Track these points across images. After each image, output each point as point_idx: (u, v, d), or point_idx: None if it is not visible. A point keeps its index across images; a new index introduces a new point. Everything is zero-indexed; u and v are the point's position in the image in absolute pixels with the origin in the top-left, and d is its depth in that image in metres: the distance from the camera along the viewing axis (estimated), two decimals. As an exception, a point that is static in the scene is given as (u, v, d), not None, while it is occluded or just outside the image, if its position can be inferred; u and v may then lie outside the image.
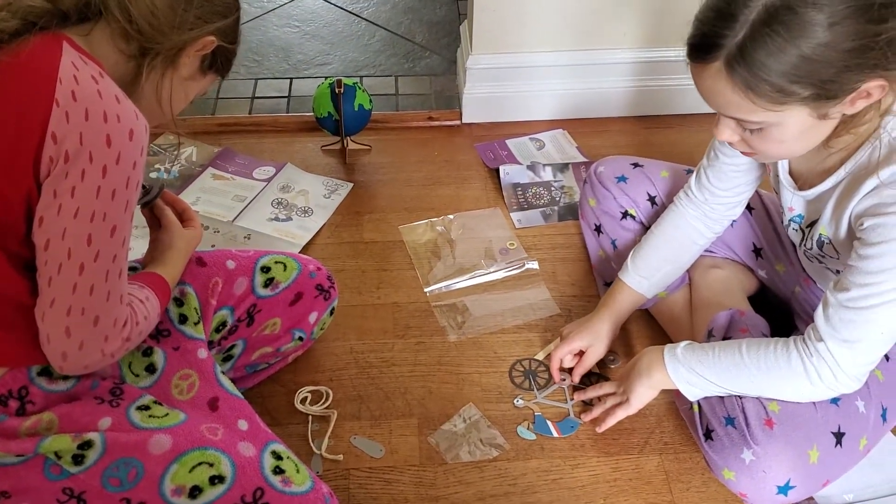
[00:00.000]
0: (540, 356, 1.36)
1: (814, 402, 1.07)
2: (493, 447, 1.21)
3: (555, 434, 1.23)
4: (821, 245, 1.09)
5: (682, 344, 1.12)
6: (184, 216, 1.11)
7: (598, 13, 1.78)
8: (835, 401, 1.07)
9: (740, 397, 1.08)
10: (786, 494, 1.06)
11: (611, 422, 1.19)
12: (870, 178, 0.95)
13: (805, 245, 1.14)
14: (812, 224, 1.10)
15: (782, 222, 1.19)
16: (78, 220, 0.82)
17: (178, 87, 0.95)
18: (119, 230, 0.85)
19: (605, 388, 1.23)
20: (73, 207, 0.82)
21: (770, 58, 0.85)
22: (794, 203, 1.12)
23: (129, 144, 0.84)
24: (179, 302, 1.08)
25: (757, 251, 1.35)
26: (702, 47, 0.90)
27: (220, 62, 0.98)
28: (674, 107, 1.92)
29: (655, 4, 1.77)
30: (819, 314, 1.00)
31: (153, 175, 1.71)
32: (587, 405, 1.27)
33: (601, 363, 1.32)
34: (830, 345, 0.98)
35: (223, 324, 1.15)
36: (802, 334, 1.03)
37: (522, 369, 1.34)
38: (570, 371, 1.31)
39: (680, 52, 1.82)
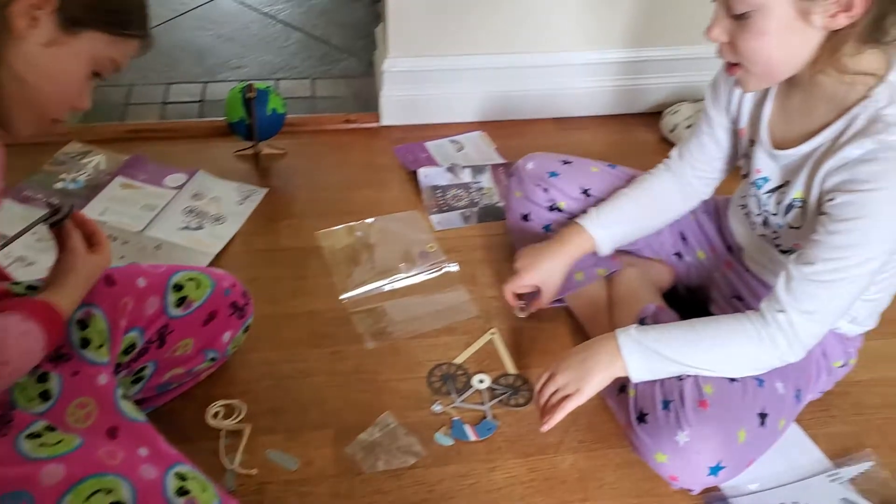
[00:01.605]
0: (459, 360, 1.35)
1: (743, 384, 1.10)
2: (410, 455, 1.20)
3: (472, 437, 1.23)
4: (788, 210, 1.11)
5: (633, 326, 1.13)
6: (92, 239, 1.04)
7: (514, 16, 1.78)
8: (760, 382, 1.11)
9: (680, 378, 1.10)
10: (716, 475, 1.09)
11: (560, 416, 1.14)
12: (846, 147, 0.98)
13: (765, 210, 1.16)
14: (780, 188, 1.12)
15: (746, 190, 1.20)
16: None
17: (42, 62, 0.83)
18: None
19: (551, 384, 1.16)
20: None
21: None
22: (763, 165, 1.14)
23: None
24: (83, 324, 1.04)
25: (684, 239, 1.39)
26: None
27: (92, 12, 0.84)
28: (588, 108, 1.95)
29: (572, 8, 1.79)
30: (780, 286, 1.03)
31: (61, 185, 1.64)
32: (507, 405, 1.28)
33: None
34: (791, 315, 1.02)
35: (132, 346, 1.11)
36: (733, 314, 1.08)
37: (441, 374, 1.33)
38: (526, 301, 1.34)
39: (593, 55, 1.86)
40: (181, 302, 1.15)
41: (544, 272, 1.29)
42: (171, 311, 1.14)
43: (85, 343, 1.03)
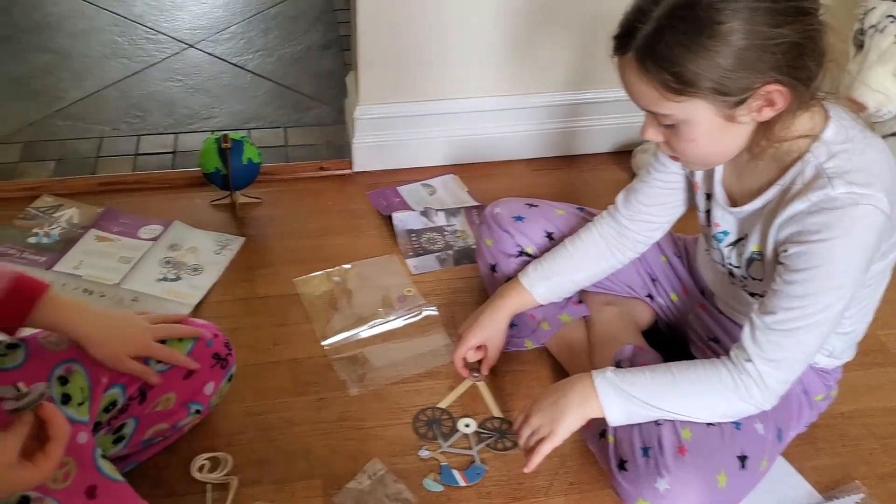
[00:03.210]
0: (443, 404, 1.36)
1: (721, 428, 1.10)
2: (399, 502, 1.19)
3: (461, 483, 1.23)
4: (749, 263, 1.13)
5: (609, 369, 1.13)
6: (44, 441, 0.85)
7: (480, 62, 1.82)
8: (737, 425, 1.12)
9: (658, 423, 1.10)
10: None
11: (538, 459, 1.14)
12: (794, 202, 1.01)
13: (729, 263, 1.18)
14: (739, 242, 1.15)
15: (708, 242, 1.22)
16: None
17: None
18: None
19: (526, 427, 1.16)
20: None
21: (669, 50, 0.93)
22: (722, 219, 1.16)
23: None
24: (64, 380, 1.02)
25: (654, 280, 1.41)
26: (619, 39, 0.98)
27: None
28: (559, 149, 1.98)
29: (535, 53, 1.83)
30: (746, 335, 1.05)
31: (34, 240, 1.61)
32: (494, 449, 1.28)
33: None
34: (758, 364, 1.04)
35: (113, 403, 1.10)
36: (710, 358, 1.10)
37: (426, 419, 1.33)
38: (477, 367, 1.36)
39: (559, 96, 1.90)
40: None
41: (486, 329, 1.32)
42: (152, 366, 1.13)
43: (66, 399, 1.01)
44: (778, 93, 0.94)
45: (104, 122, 2.03)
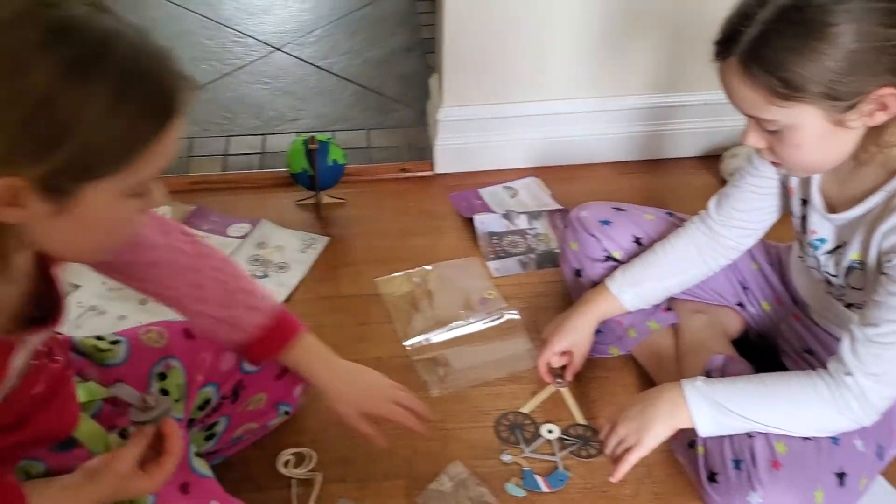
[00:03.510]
0: (526, 409, 1.34)
1: (817, 443, 1.07)
2: None
3: (544, 489, 1.21)
4: (848, 272, 1.09)
5: (699, 378, 1.11)
6: (160, 454, 0.89)
7: (566, 64, 1.80)
8: (835, 440, 1.08)
9: (750, 436, 1.08)
10: None
11: (625, 468, 1.13)
12: None
13: (826, 272, 1.14)
14: (837, 250, 1.11)
15: (803, 249, 1.18)
16: None
17: (59, 229, 0.72)
18: None
19: (613, 436, 1.15)
20: None
21: (777, 54, 0.90)
22: (819, 226, 1.13)
23: None
24: (162, 376, 1.05)
25: (745, 289, 1.37)
26: (721, 43, 0.96)
27: (76, 172, 0.68)
28: (645, 152, 1.95)
29: (622, 55, 1.81)
30: (845, 348, 1.02)
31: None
32: (577, 457, 1.26)
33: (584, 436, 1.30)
34: (858, 378, 1.00)
35: (207, 401, 1.12)
36: (806, 370, 1.06)
37: (508, 423, 1.32)
38: (561, 373, 1.34)
39: (647, 98, 1.86)
40: None
41: (571, 334, 1.30)
42: (245, 367, 1.15)
43: (163, 394, 1.03)
44: (892, 96, 0.90)
45: (195, 123, 2.09)
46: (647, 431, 1.11)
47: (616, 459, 1.14)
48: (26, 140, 0.63)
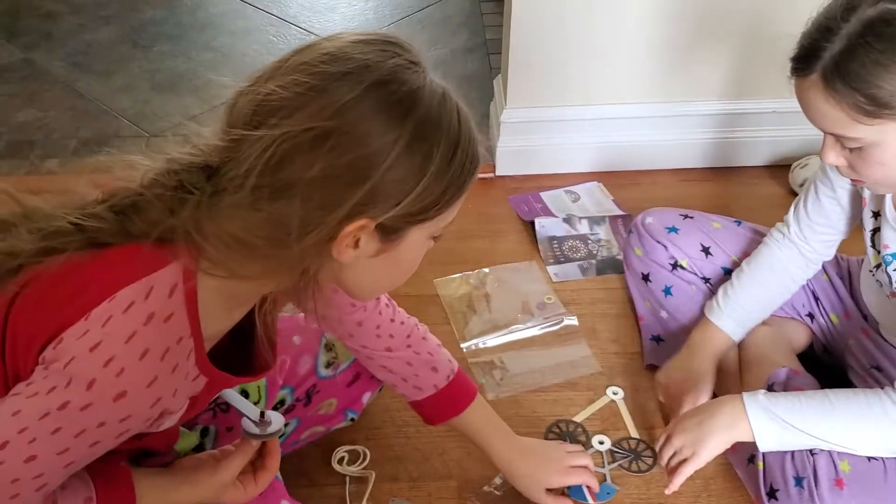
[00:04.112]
0: (579, 418, 1.33)
1: (884, 463, 1.04)
2: None
3: (591, 501, 1.19)
4: None
5: (761, 392, 1.09)
6: (258, 469, 0.94)
7: (632, 67, 1.78)
8: None
9: (812, 453, 1.05)
10: None
11: (679, 480, 1.11)
12: None
13: None
14: None
15: (877, 264, 1.15)
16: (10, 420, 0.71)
17: (373, 268, 0.79)
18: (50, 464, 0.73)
19: (669, 447, 1.13)
20: (14, 408, 0.71)
21: (863, 69, 0.87)
22: (891, 240, 1.09)
23: (110, 403, 0.71)
24: None
25: (817, 299, 1.34)
26: (801, 59, 0.94)
27: (411, 216, 0.75)
28: (710, 159, 1.91)
29: (690, 60, 1.77)
30: None
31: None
32: (627, 470, 1.24)
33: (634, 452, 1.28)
34: None
35: (282, 402, 1.13)
36: (873, 388, 1.03)
37: (559, 431, 1.30)
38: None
39: (714, 105, 1.82)
40: (331, 363, 1.17)
41: (699, 384, 1.23)
42: (321, 372, 1.16)
43: (243, 396, 1.03)
44: None
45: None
46: (704, 444, 1.09)
47: (671, 471, 1.12)
48: (381, 188, 0.71)
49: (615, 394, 1.35)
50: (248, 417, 0.92)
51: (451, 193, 0.76)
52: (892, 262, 1.09)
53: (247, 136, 0.70)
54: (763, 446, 1.07)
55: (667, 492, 1.13)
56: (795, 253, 1.25)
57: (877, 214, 1.11)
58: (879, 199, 1.10)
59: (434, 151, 0.73)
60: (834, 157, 0.98)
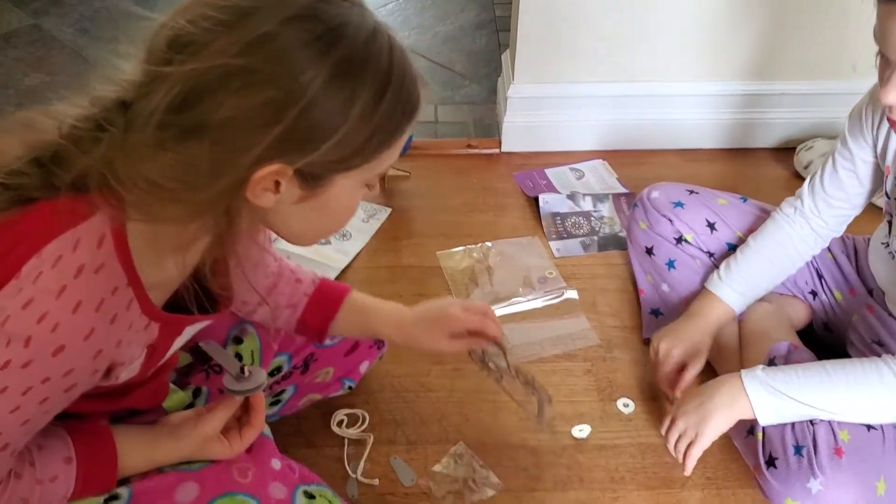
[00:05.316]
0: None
1: (882, 432, 1.05)
2: (488, 486, 1.17)
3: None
4: None
5: (759, 367, 1.10)
6: (243, 425, 0.93)
7: (642, 45, 1.78)
8: None
9: (812, 423, 1.06)
10: None
11: (691, 463, 1.12)
12: None
13: None
14: None
15: (891, 233, 1.15)
16: None
17: (299, 216, 0.75)
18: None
19: (674, 430, 1.13)
20: None
21: None
22: None
23: (49, 359, 0.69)
24: (238, 340, 1.06)
25: (820, 277, 1.34)
26: None
27: (336, 164, 0.71)
28: (716, 140, 1.91)
29: (698, 38, 1.77)
30: None
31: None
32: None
33: None
34: None
35: (278, 369, 1.14)
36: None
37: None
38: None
39: (723, 86, 1.81)
40: None
41: (694, 347, 1.24)
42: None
43: (237, 359, 1.03)
44: None
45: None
46: (707, 424, 1.10)
47: (683, 458, 1.13)
48: (297, 132, 0.66)
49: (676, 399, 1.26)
50: (228, 372, 0.92)
51: (380, 141, 0.71)
52: None
53: (158, 73, 0.66)
54: (764, 420, 1.08)
55: (686, 474, 1.15)
56: (805, 229, 1.25)
57: None
58: None
59: (357, 93, 0.67)
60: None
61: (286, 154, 0.67)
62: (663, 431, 1.15)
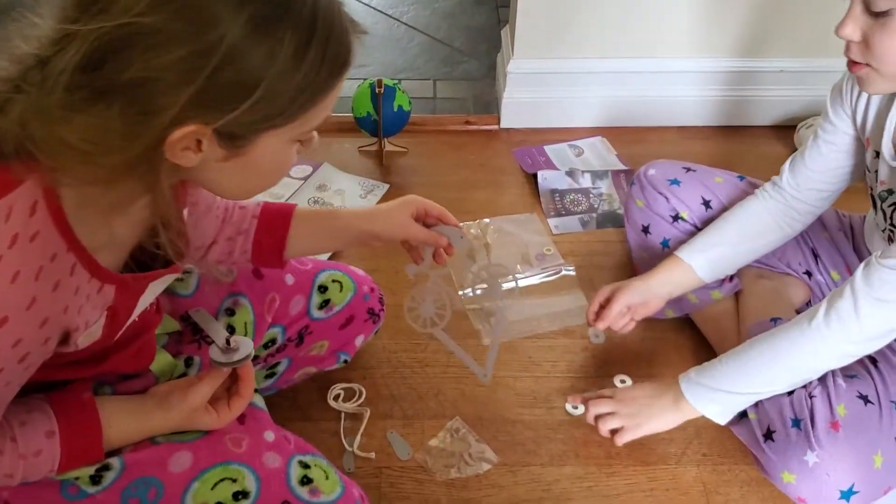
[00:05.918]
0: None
1: (880, 408, 1.06)
2: (483, 461, 1.18)
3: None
4: None
5: (692, 369, 1.12)
6: (231, 396, 0.93)
7: (642, 22, 1.76)
8: None
9: (811, 396, 1.07)
10: (848, 500, 1.04)
11: (626, 440, 1.16)
12: None
13: (891, 225, 1.11)
14: None
15: (875, 206, 1.15)
16: None
17: (226, 174, 0.73)
18: None
19: (603, 406, 1.17)
20: None
21: None
22: (886, 176, 1.09)
23: None
24: (231, 312, 1.05)
25: (816, 257, 1.34)
26: None
27: (256, 124, 0.68)
28: (716, 118, 1.90)
29: (699, 14, 1.76)
30: (858, 275, 1.01)
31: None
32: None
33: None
34: (862, 302, 1.00)
35: (272, 341, 1.13)
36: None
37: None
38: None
39: (723, 62, 1.80)
40: (324, 304, 1.16)
41: (650, 291, 1.26)
42: (313, 313, 1.15)
43: (230, 331, 1.03)
44: None
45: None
46: (646, 425, 1.15)
47: (612, 433, 1.17)
48: (212, 91, 0.63)
49: (597, 336, 1.34)
50: (214, 343, 0.91)
51: (307, 98, 0.68)
52: (886, 198, 1.10)
53: (67, 31, 0.63)
54: (720, 421, 1.10)
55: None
56: (781, 204, 1.24)
57: (877, 154, 1.11)
58: (878, 138, 1.09)
59: (277, 48, 0.63)
60: (851, 28, 0.95)
61: (202, 114, 0.64)
62: (599, 411, 1.17)
